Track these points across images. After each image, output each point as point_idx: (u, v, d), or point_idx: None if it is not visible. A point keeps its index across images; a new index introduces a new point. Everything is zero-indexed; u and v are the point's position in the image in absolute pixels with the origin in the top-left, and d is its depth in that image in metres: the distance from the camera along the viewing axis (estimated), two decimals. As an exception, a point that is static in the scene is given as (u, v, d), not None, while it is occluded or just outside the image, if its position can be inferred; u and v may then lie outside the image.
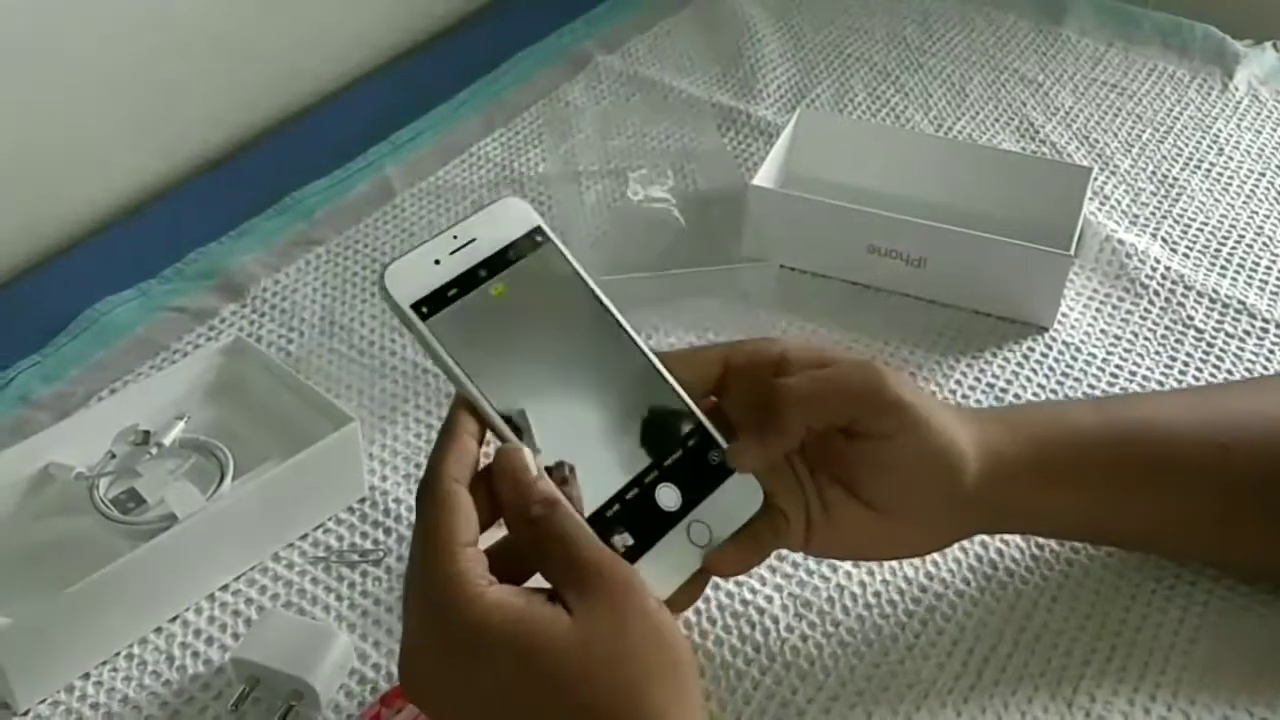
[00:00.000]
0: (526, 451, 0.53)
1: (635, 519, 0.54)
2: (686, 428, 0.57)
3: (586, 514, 0.53)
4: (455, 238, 0.55)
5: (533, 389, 0.55)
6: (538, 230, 0.57)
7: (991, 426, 0.62)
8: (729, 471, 0.57)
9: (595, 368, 0.57)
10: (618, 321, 0.58)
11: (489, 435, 0.54)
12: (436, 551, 0.50)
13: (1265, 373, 0.86)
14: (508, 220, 0.57)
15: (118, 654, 0.67)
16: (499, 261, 0.56)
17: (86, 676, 0.66)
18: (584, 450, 0.54)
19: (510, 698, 0.49)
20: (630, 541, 0.54)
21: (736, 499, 0.57)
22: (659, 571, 0.54)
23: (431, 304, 0.54)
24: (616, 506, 0.54)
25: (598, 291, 0.58)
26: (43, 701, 0.65)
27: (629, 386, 0.57)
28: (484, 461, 0.54)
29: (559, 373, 0.56)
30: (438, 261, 0.54)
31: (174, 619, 0.69)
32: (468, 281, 0.55)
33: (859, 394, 0.58)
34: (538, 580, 0.52)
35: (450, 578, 0.49)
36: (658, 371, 0.57)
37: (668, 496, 0.56)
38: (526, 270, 0.56)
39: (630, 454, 0.56)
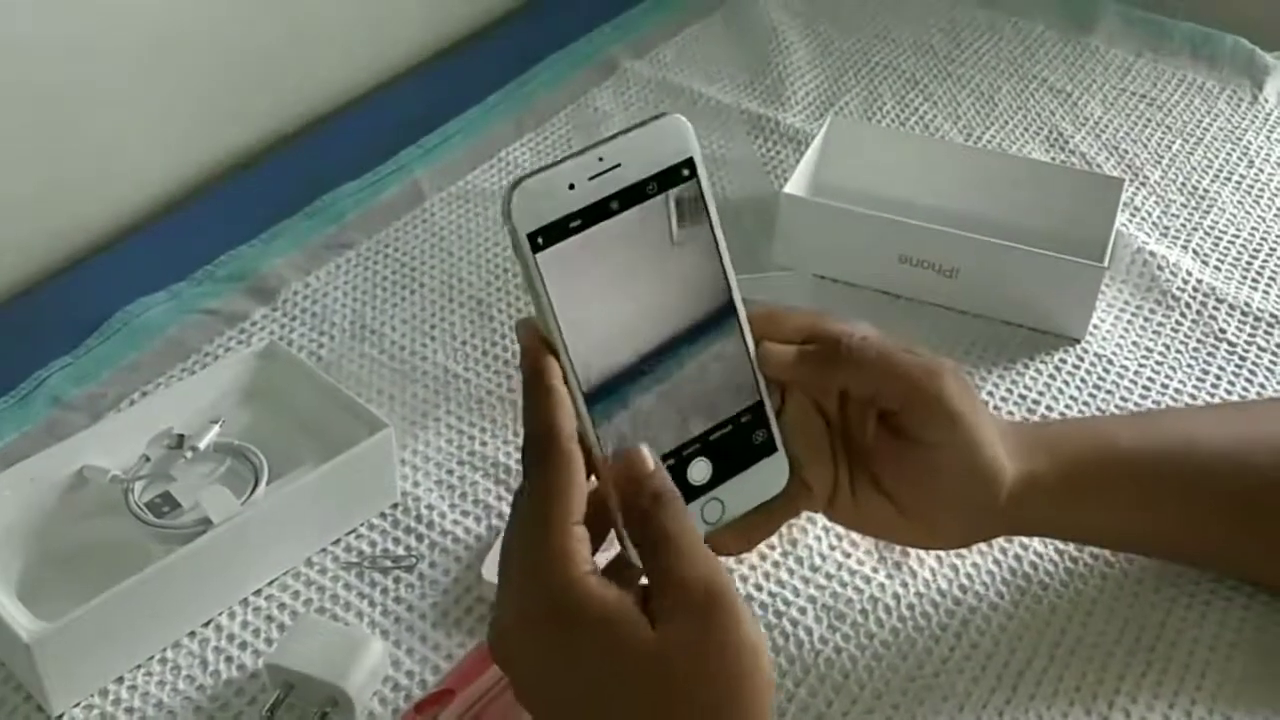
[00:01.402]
0: (645, 448, 0.51)
1: None
2: (746, 405, 0.54)
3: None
4: (601, 159, 0.50)
5: (616, 342, 0.51)
6: (688, 162, 0.52)
7: (1030, 443, 0.62)
8: (766, 453, 0.55)
9: (688, 334, 0.53)
10: (729, 286, 0.53)
11: None
12: (550, 523, 0.48)
13: (1299, 387, 0.86)
14: (662, 143, 0.51)
15: (152, 658, 0.67)
16: (635, 194, 0.51)
17: (120, 681, 0.66)
18: (647, 416, 0.52)
19: (590, 688, 0.48)
20: None
21: (761, 479, 0.55)
22: None
23: (550, 234, 0.49)
24: None
25: (721, 247, 0.53)
26: (77, 705, 0.65)
27: (712, 360, 0.53)
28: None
29: (649, 329, 0.52)
30: (572, 186, 0.49)
31: (208, 623, 0.69)
32: (596, 213, 0.50)
33: (917, 389, 0.57)
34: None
35: (560, 554, 0.48)
36: (746, 351, 0.54)
37: (700, 470, 0.53)
38: (659, 207, 0.51)
39: (684, 424, 0.53)
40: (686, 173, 0.52)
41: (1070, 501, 0.63)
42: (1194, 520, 0.66)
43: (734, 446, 0.54)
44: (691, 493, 0.53)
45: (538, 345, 0.50)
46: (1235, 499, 0.65)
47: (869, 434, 0.58)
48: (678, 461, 0.53)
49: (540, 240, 0.49)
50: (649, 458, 0.50)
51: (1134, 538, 0.68)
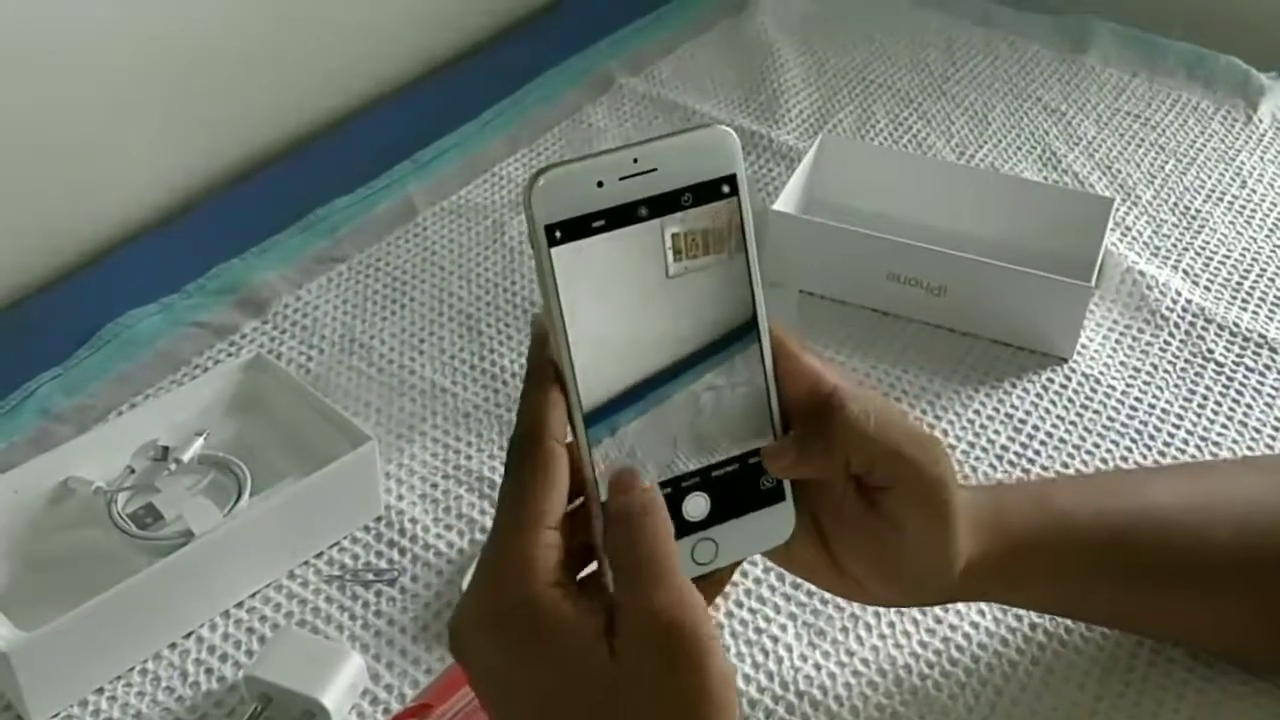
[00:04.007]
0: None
1: None
2: (757, 446, 0.51)
3: (604, 497, 0.48)
4: (635, 161, 0.47)
5: (624, 356, 0.48)
6: (730, 179, 0.48)
7: (983, 520, 0.58)
8: (772, 500, 0.51)
9: (703, 361, 0.49)
10: (757, 318, 0.50)
11: None
12: (519, 526, 0.46)
13: (1285, 408, 0.85)
14: (704, 154, 0.48)
15: (132, 669, 0.67)
16: (668, 202, 0.47)
17: (100, 691, 0.66)
18: (646, 436, 0.49)
19: (538, 700, 0.47)
20: None
21: (763, 527, 0.52)
22: None
23: (569, 230, 0.46)
24: None
25: (755, 275, 0.49)
26: (56, 715, 0.65)
27: (728, 391, 0.50)
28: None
29: (661, 348, 0.49)
30: (601, 184, 0.46)
31: (189, 635, 0.69)
32: (622, 216, 0.47)
33: (915, 476, 0.53)
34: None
35: (520, 561, 0.46)
36: (766, 389, 0.51)
37: (696, 505, 0.50)
38: (692, 221, 0.48)
39: (689, 455, 0.50)
40: (727, 189, 0.48)
41: (1017, 579, 0.61)
42: (1146, 595, 0.64)
43: (738, 487, 0.51)
44: (685, 528, 0.50)
45: (542, 349, 0.48)
46: (1192, 574, 0.63)
47: (844, 502, 0.53)
48: (674, 492, 0.50)
49: (558, 234, 0.46)
50: (643, 474, 0.48)
51: (1081, 611, 0.67)
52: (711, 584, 0.52)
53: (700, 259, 0.48)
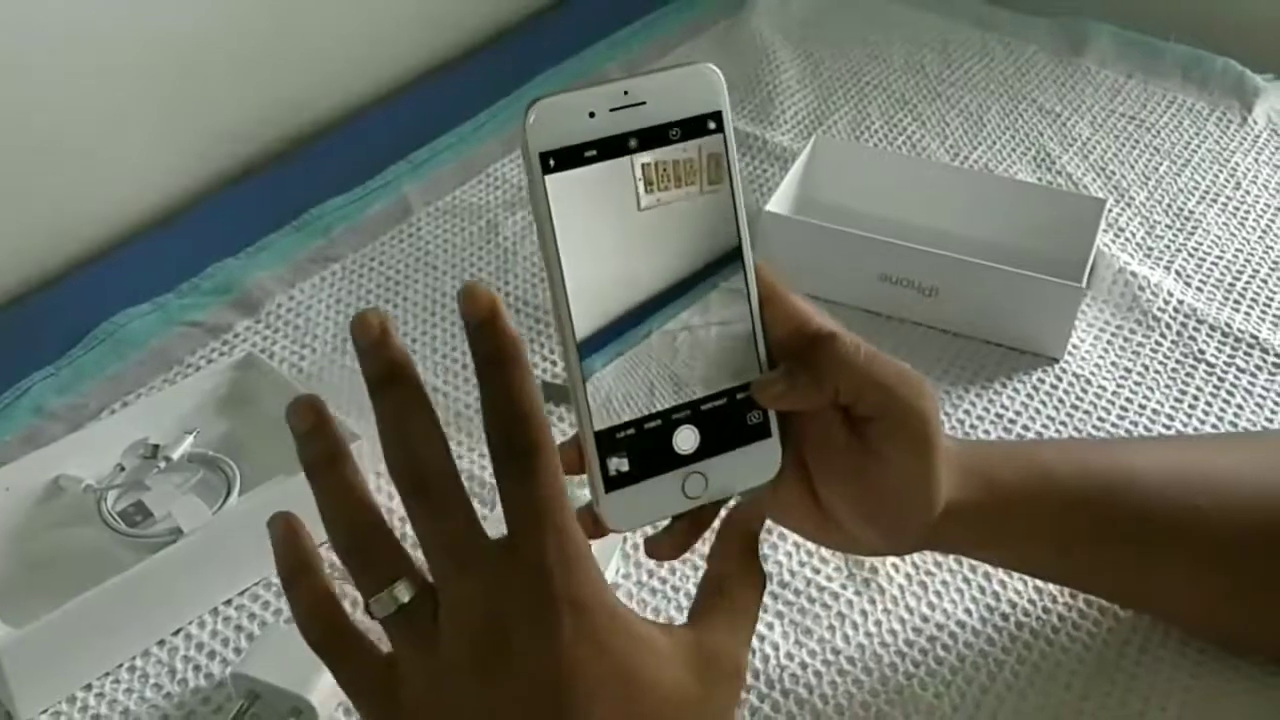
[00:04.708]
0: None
1: (642, 449, 0.50)
2: (744, 382, 0.52)
3: (598, 427, 0.49)
4: (626, 93, 0.48)
5: (616, 287, 0.49)
6: (716, 115, 0.50)
7: (968, 469, 0.59)
8: (759, 436, 0.52)
9: (693, 294, 0.51)
10: (743, 253, 0.51)
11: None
12: (581, 542, 0.46)
13: (1277, 409, 0.85)
14: (691, 90, 0.50)
15: (121, 666, 0.67)
16: (656, 136, 0.49)
17: (89, 688, 0.66)
18: (635, 366, 0.50)
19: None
20: (625, 469, 0.50)
21: (751, 463, 0.53)
22: (632, 507, 0.50)
23: (563, 159, 0.47)
24: (631, 431, 0.50)
25: (740, 211, 0.51)
26: (44, 712, 0.65)
27: (716, 326, 0.51)
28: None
29: (651, 280, 0.50)
30: (593, 114, 0.48)
31: (178, 632, 0.69)
32: (613, 147, 0.48)
33: (901, 405, 0.53)
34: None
35: (599, 579, 0.46)
36: (752, 326, 0.52)
37: (686, 438, 0.51)
38: (679, 155, 0.49)
39: (678, 386, 0.51)
40: (713, 125, 0.50)
41: (996, 532, 0.61)
42: (1127, 560, 0.64)
43: (726, 422, 0.52)
44: (676, 461, 0.51)
45: (502, 313, 0.45)
46: (1172, 542, 0.63)
47: (830, 432, 0.54)
48: (665, 424, 0.50)
49: (552, 163, 0.47)
50: (631, 409, 0.49)
51: (1062, 573, 0.67)
52: (695, 524, 0.53)
53: (679, 190, 0.50)
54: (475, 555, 0.45)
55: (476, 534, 0.46)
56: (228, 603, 0.71)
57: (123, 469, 0.73)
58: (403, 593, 0.46)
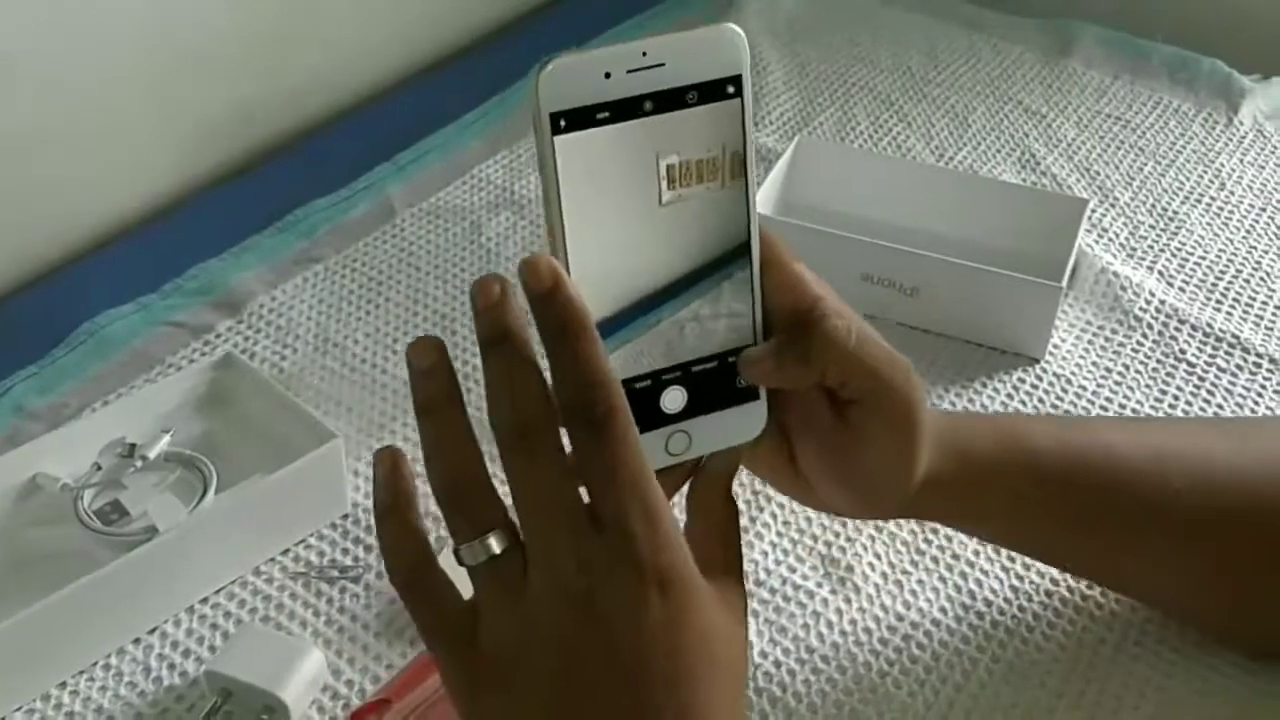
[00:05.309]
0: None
1: (631, 407, 0.48)
2: (737, 346, 0.51)
3: None
4: (644, 54, 0.46)
5: (619, 253, 0.48)
6: (735, 80, 0.48)
7: (947, 441, 0.59)
8: (747, 398, 0.52)
9: (699, 255, 0.50)
10: (749, 223, 0.50)
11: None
12: (670, 515, 0.46)
13: (1256, 408, 0.85)
14: (712, 52, 0.48)
15: (95, 664, 0.68)
16: (672, 99, 0.47)
17: (63, 685, 0.67)
18: (632, 332, 0.49)
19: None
20: None
21: (737, 423, 0.52)
22: None
23: (574, 120, 0.46)
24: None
25: (751, 179, 0.50)
26: (18, 709, 0.65)
27: (718, 290, 0.50)
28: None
29: (656, 246, 0.49)
30: (608, 75, 0.46)
31: (153, 630, 0.69)
32: (627, 109, 0.47)
33: (888, 392, 0.54)
34: None
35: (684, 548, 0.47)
36: (751, 292, 0.51)
37: (674, 399, 0.50)
38: (694, 119, 0.48)
39: (671, 349, 0.50)
40: (731, 90, 0.48)
41: (974, 504, 0.61)
42: (1104, 537, 0.64)
43: (715, 384, 0.51)
44: (661, 419, 0.50)
45: (566, 282, 0.45)
46: (1149, 521, 0.63)
47: (814, 409, 0.54)
48: (654, 384, 0.50)
49: (563, 124, 0.46)
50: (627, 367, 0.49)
51: (1040, 549, 0.67)
52: (674, 476, 0.53)
53: (699, 186, 0.49)
54: (568, 515, 0.45)
55: (570, 491, 0.46)
56: (203, 601, 0.71)
57: (99, 468, 0.73)
58: (496, 544, 0.46)
